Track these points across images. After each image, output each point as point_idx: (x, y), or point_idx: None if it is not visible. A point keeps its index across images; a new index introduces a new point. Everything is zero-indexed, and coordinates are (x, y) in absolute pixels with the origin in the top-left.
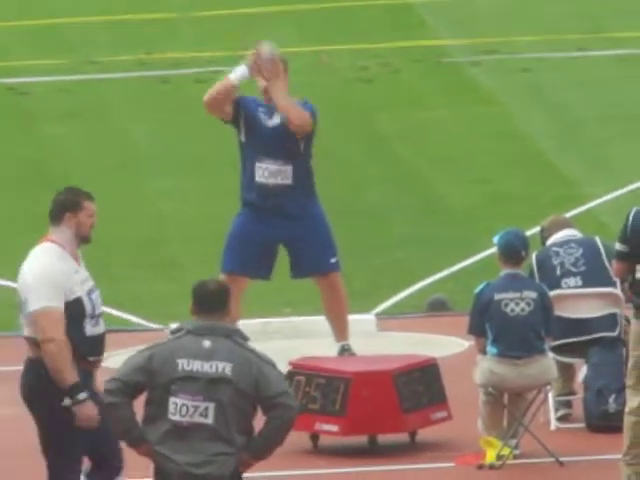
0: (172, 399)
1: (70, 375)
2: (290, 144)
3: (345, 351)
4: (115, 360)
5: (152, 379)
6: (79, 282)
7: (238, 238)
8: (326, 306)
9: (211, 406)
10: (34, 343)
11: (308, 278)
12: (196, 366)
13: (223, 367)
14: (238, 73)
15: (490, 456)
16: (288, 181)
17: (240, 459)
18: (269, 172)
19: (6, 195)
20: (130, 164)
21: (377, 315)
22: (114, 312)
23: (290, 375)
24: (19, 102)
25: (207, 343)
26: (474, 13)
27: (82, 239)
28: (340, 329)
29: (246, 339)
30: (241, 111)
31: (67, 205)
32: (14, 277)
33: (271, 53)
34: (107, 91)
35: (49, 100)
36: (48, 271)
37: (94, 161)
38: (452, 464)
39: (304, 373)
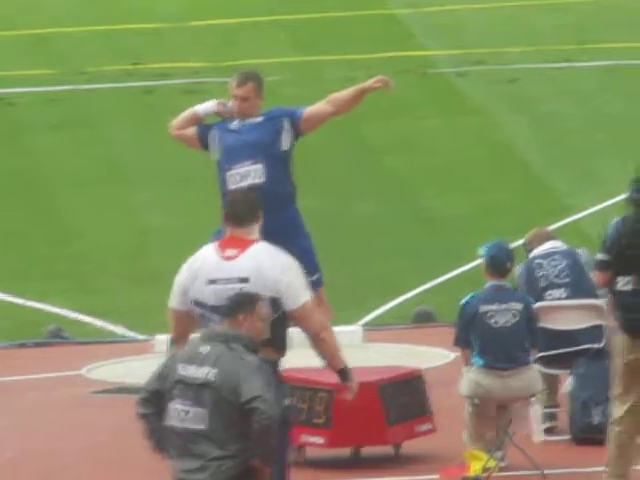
0: (170, 404)
1: (342, 358)
2: (262, 145)
3: None
4: (100, 371)
5: (164, 385)
6: None
7: None
8: None
9: (203, 412)
10: None
11: None
12: (190, 371)
13: (207, 372)
14: (207, 105)
15: (474, 469)
16: (261, 180)
17: (254, 464)
18: (240, 176)
19: None
20: (116, 175)
21: (363, 326)
22: (99, 323)
23: None
24: (6, 112)
25: (205, 348)
26: (461, 24)
27: None
28: None
29: (249, 347)
30: (209, 133)
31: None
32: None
33: (232, 108)
34: (94, 102)
35: (36, 110)
36: (295, 265)
37: (80, 171)
38: (436, 476)
39: (289, 385)
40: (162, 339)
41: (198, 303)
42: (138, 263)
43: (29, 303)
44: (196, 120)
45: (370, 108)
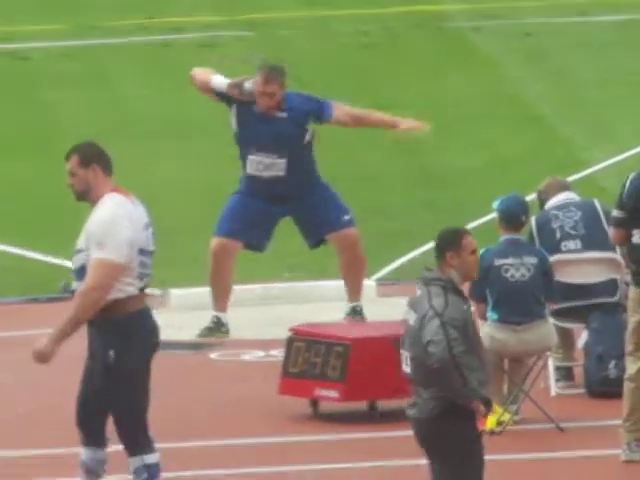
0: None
1: None
2: (289, 140)
3: (356, 313)
4: None
5: None
6: None
7: (236, 206)
8: (344, 265)
9: (407, 355)
10: None
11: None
12: (407, 316)
13: (410, 318)
14: (220, 82)
15: (490, 422)
16: (281, 173)
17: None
18: (264, 165)
19: (4, 160)
20: (130, 129)
21: (377, 281)
22: None
23: (290, 341)
24: (19, 67)
25: (418, 292)
26: None
27: None
28: (354, 289)
29: (447, 288)
30: (233, 102)
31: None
32: (11, 241)
33: (249, 91)
34: (108, 56)
35: (50, 65)
36: None
37: (94, 126)
38: None
39: (304, 339)
40: (177, 293)
41: (143, 252)
42: (152, 217)
43: (42, 258)
44: (209, 88)
45: (384, 62)
